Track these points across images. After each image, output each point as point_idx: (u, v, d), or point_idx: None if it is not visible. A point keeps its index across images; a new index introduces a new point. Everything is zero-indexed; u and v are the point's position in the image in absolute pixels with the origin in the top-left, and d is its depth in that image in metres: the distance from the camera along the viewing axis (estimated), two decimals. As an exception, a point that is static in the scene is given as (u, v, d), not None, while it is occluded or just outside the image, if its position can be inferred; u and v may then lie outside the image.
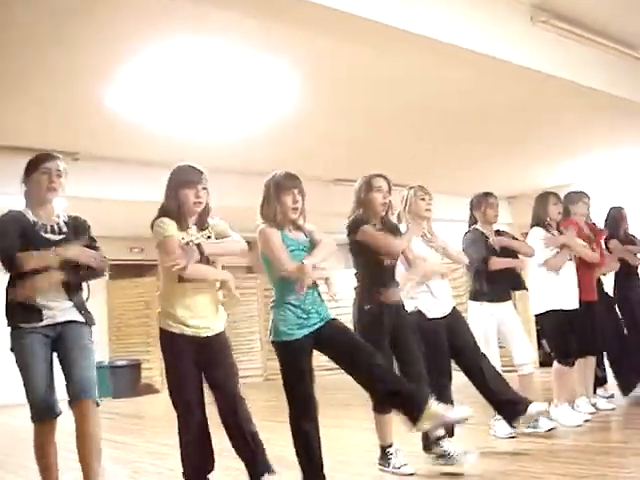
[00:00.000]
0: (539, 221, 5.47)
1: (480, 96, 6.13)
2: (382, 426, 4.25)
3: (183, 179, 3.58)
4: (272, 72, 5.37)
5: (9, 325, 3.50)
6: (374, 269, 4.20)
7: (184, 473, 3.63)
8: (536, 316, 5.57)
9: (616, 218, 6.41)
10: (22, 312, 3.44)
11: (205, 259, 3.51)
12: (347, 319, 4.07)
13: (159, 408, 9.86)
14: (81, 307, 3.61)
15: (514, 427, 4.70)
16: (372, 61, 5.18)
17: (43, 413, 3.43)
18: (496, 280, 5.06)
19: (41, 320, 3.43)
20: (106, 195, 7.88)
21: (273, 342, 3.68)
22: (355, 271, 4.37)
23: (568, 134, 7.68)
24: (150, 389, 11.32)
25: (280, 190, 3.68)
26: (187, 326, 3.51)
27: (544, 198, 5.53)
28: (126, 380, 10.73)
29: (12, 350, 3.49)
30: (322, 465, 3.71)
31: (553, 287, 5.32)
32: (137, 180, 7.83)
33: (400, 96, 6.07)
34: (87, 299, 3.71)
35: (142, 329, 11.80)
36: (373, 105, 6.30)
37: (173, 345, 3.55)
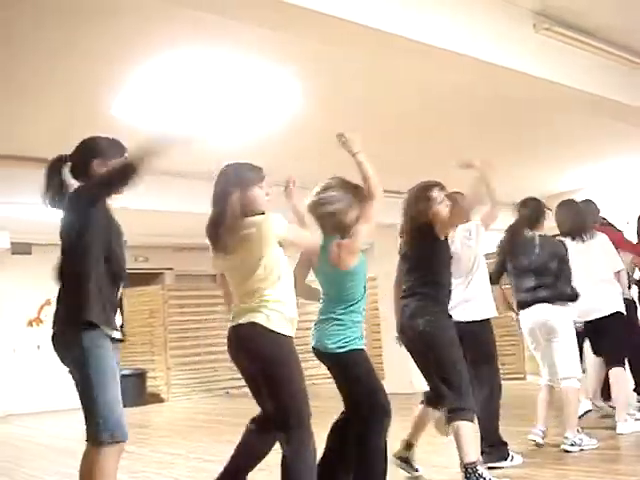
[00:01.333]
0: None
1: (484, 102, 6.13)
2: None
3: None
4: (276, 78, 5.38)
5: (86, 323, 2.98)
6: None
7: None
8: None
9: None
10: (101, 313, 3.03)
11: None
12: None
13: (164, 417, 9.89)
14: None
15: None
16: (375, 67, 5.19)
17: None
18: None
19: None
20: (113, 203, 7.87)
21: (349, 352, 3.50)
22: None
23: (575, 140, 7.67)
24: (155, 398, 11.33)
25: None
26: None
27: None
28: (131, 389, 10.73)
29: (86, 355, 2.98)
30: None
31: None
32: (144, 189, 7.82)
33: (406, 101, 6.07)
34: None
35: (147, 337, 11.82)
36: (378, 111, 6.31)
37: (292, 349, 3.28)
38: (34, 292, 10.97)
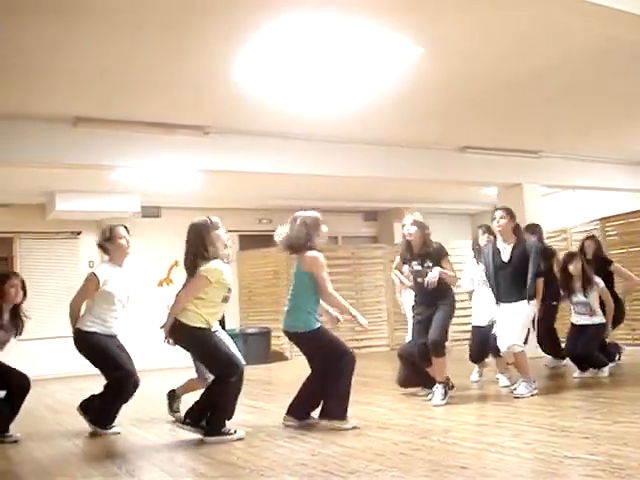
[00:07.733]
0: None
1: (618, 53, 5.81)
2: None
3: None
4: (392, 36, 5.25)
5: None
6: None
7: (226, 418, 4.89)
8: None
9: None
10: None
11: None
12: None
13: (289, 375, 10.11)
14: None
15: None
16: (501, 20, 5.01)
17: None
18: None
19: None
20: (235, 167, 8.01)
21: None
22: None
23: None
24: (280, 356, 11.61)
25: None
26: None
27: None
28: (257, 347, 11.04)
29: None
30: None
31: None
32: (265, 152, 7.94)
33: (532, 57, 5.84)
34: None
35: (271, 298, 12.08)
36: (504, 68, 6.10)
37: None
38: (163, 253, 11.41)
